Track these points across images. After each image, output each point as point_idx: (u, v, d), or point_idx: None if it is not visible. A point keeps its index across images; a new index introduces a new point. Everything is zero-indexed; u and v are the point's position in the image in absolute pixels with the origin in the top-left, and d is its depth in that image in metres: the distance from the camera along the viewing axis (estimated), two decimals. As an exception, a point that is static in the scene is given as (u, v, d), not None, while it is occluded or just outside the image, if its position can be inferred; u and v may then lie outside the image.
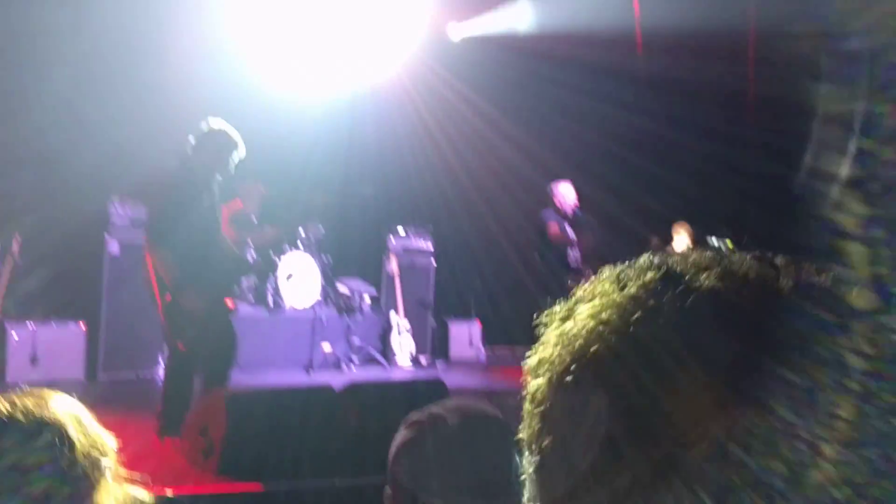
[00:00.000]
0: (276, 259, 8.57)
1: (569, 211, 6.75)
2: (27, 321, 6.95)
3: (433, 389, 4.91)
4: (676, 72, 10.25)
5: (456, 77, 11.82)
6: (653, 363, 0.49)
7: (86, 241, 7.60)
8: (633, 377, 0.49)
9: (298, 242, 8.84)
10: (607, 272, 0.58)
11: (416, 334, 9.13)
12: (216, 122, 5.00)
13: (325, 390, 4.55)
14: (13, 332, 6.77)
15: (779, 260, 0.57)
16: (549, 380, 0.54)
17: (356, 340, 8.76)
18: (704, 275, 0.53)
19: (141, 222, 6.86)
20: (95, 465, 1.02)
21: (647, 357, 0.49)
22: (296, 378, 7.79)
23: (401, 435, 1.41)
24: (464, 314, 10.24)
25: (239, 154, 4.94)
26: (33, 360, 6.82)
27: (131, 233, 7.36)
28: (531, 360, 0.58)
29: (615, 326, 0.51)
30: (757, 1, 8.77)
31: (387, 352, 8.88)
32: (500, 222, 11.08)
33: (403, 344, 8.89)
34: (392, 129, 11.47)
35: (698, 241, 9.68)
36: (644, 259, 0.57)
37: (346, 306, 8.93)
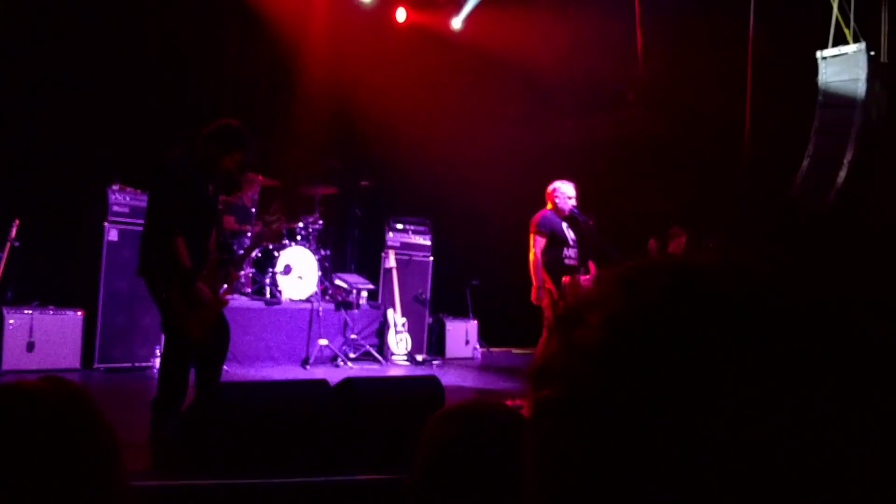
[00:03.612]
0: (275, 252, 8.58)
1: (567, 210, 6.74)
2: (24, 307, 6.94)
3: (429, 387, 4.91)
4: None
5: (458, 69, 11.82)
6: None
7: (85, 227, 7.60)
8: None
9: (297, 235, 8.85)
10: (612, 274, 0.56)
11: (413, 331, 9.13)
12: (227, 118, 5.04)
13: (319, 385, 4.54)
14: (10, 319, 6.75)
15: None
16: (563, 393, 0.52)
17: (353, 336, 8.77)
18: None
19: (140, 210, 6.86)
20: (97, 452, 1.01)
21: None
22: (292, 372, 7.79)
23: (439, 428, 1.40)
24: (461, 312, 10.25)
25: (245, 150, 4.97)
26: (30, 346, 6.81)
27: (130, 220, 7.35)
28: (534, 368, 0.55)
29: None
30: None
31: (383, 348, 8.89)
32: (499, 220, 11.09)
33: (400, 341, 8.90)
34: (391, 122, 11.47)
35: (694, 243, 9.69)
36: (651, 262, 0.55)
37: (343, 301, 8.93)
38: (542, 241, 6.62)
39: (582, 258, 6.85)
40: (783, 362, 0.47)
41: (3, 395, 0.99)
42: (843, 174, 7.63)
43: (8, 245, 6.75)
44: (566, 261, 6.67)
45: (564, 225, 6.76)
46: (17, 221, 6.83)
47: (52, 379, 1.07)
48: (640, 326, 0.50)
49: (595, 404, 0.49)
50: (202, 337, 4.81)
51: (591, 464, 0.49)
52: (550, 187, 6.83)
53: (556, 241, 6.66)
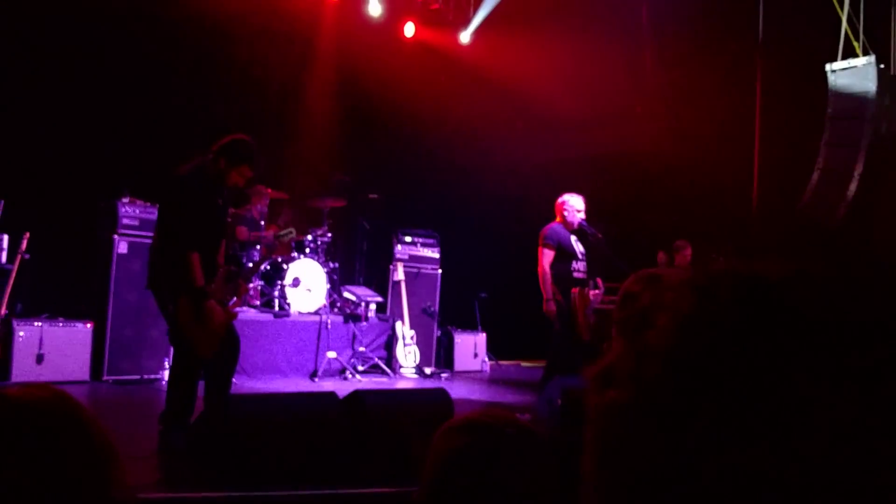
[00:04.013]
0: (283, 264, 8.59)
1: (576, 223, 6.72)
2: (34, 320, 6.96)
3: (437, 400, 4.90)
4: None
5: (469, 81, 11.86)
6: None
7: (95, 240, 7.63)
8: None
9: (306, 248, 8.86)
10: (678, 280, 0.56)
11: (421, 344, 9.12)
12: (237, 133, 5.06)
13: (328, 397, 4.54)
14: (20, 331, 6.78)
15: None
16: (632, 395, 0.52)
17: (361, 348, 8.76)
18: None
19: (149, 222, 6.89)
20: (96, 464, 0.98)
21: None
22: (300, 385, 7.79)
23: (447, 440, 1.38)
24: (469, 325, 10.23)
25: (254, 165, 5.00)
26: (39, 358, 6.83)
27: (140, 232, 7.38)
28: (598, 371, 0.56)
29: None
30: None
31: (391, 361, 8.88)
32: (507, 233, 11.09)
33: (408, 353, 8.88)
34: (399, 136, 11.50)
35: (700, 256, 9.67)
36: (718, 269, 0.55)
37: (351, 313, 8.93)
38: (550, 254, 6.60)
39: (590, 271, 6.83)
40: (862, 370, 0.48)
41: None
42: (853, 187, 7.61)
43: (18, 258, 6.77)
44: (575, 274, 6.65)
45: (573, 238, 6.74)
46: (28, 234, 6.86)
47: (34, 386, 1.05)
48: (713, 331, 0.50)
49: (667, 405, 0.50)
50: (210, 353, 4.81)
51: (663, 463, 0.49)
52: (559, 200, 6.82)
53: (564, 255, 6.64)
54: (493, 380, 9.31)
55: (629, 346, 0.55)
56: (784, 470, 0.46)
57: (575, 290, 6.51)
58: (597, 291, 6.63)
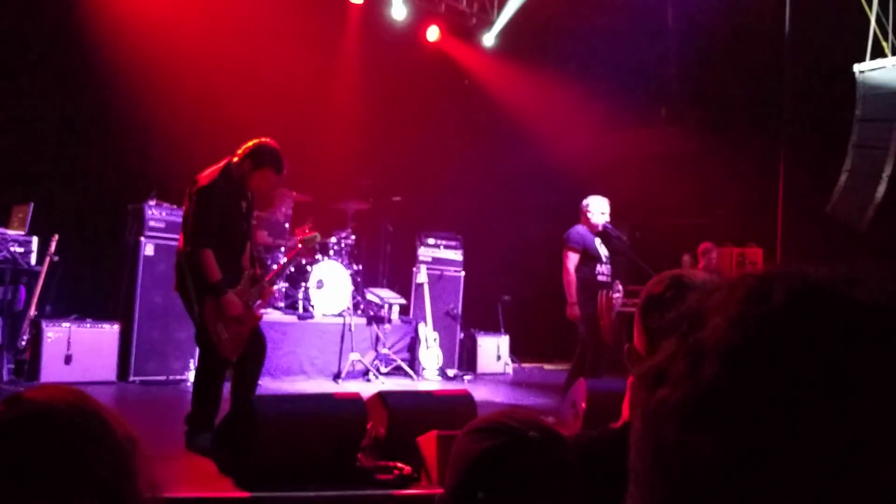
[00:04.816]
0: (307, 266, 8.64)
1: (600, 226, 6.68)
2: (62, 321, 7.05)
3: (461, 402, 4.90)
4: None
5: (489, 85, 11.86)
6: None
7: (122, 242, 7.71)
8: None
9: (329, 250, 8.90)
10: (730, 280, 0.57)
11: (444, 346, 9.12)
12: (263, 137, 5.09)
13: (352, 399, 4.55)
14: (48, 332, 6.87)
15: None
16: (687, 393, 0.53)
17: (384, 350, 8.79)
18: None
19: (175, 225, 6.95)
20: (122, 465, 0.98)
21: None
22: (324, 387, 7.82)
23: (471, 442, 1.38)
24: (492, 328, 10.22)
25: (279, 170, 5.03)
26: (67, 359, 6.91)
27: (166, 234, 7.45)
28: (649, 369, 0.57)
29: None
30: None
31: (414, 363, 8.89)
32: (530, 235, 11.07)
33: (431, 356, 8.89)
34: (422, 138, 11.52)
35: (726, 259, 9.59)
36: (771, 270, 0.56)
37: (375, 315, 8.96)
38: (575, 258, 6.56)
39: (614, 274, 6.80)
40: None
41: (8, 408, 0.97)
42: (882, 189, 7.51)
43: (48, 260, 6.87)
44: (599, 277, 6.61)
45: (597, 241, 6.71)
46: (57, 237, 6.96)
47: (51, 386, 1.05)
48: (770, 329, 0.51)
49: (726, 404, 0.51)
50: (234, 355, 4.84)
51: (721, 460, 0.50)
52: (584, 203, 6.78)
53: (588, 258, 6.60)
54: (517, 382, 9.29)
55: (681, 345, 0.55)
56: (849, 469, 0.47)
57: (601, 293, 6.47)
58: (618, 295, 6.58)
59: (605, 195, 6.85)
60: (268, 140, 5.08)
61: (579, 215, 6.77)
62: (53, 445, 0.94)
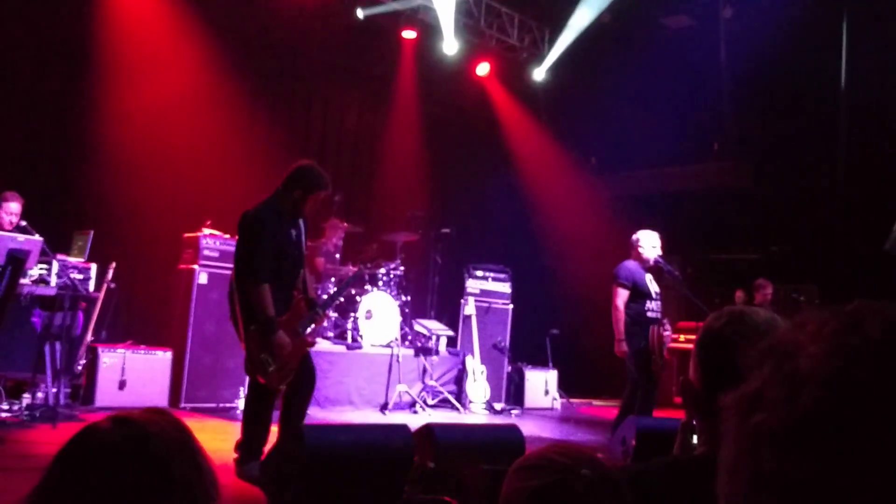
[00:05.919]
0: (357, 297, 8.69)
1: (651, 260, 6.58)
2: (117, 346, 7.19)
3: (509, 436, 4.85)
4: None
5: (538, 119, 11.88)
6: None
7: (177, 270, 7.86)
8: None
9: (378, 281, 8.95)
10: (825, 311, 0.59)
11: (492, 379, 9.07)
12: (307, 161, 5.14)
13: (400, 430, 4.54)
14: (104, 357, 7.01)
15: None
16: (783, 419, 0.54)
17: (431, 382, 8.77)
18: None
19: (228, 254, 7.06)
20: (213, 488, 1.04)
21: None
22: (371, 417, 7.82)
23: (519, 480, 1.34)
24: (541, 362, 10.14)
25: (327, 185, 5.05)
26: (121, 384, 7.05)
27: (219, 263, 7.57)
28: (744, 395, 0.58)
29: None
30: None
31: (461, 395, 8.85)
32: (580, 269, 10.99)
33: (478, 388, 8.84)
34: (472, 171, 11.57)
35: (781, 295, 9.39)
36: (863, 303, 0.58)
37: (422, 347, 8.96)
38: (625, 294, 6.45)
39: (664, 310, 6.69)
40: None
41: (118, 427, 1.02)
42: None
43: (105, 286, 7.04)
44: (648, 314, 6.49)
45: (648, 277, 6.59)
46: (114, 264, 7.13)
47: (155, 410, 1.10)
48: (869, 358, 0.53)
49: (825, 428, 0.52)
50: (278, 385, 4.84)
51: (822, 485, 0.51)
52: (634, 237, 6.70)
53: (638, 294, 6.48)
54: (565, 418, 9.17)
55: (776, 373, 0.56)
56: None
57: (652, 328, 6.36)
58: (667, 333, 6.46)
59: (655, 229, 6.77)
60: (307, 162, 5.09)
61: (629, 250, 6.68)
62: (160, 466, 1.00)
